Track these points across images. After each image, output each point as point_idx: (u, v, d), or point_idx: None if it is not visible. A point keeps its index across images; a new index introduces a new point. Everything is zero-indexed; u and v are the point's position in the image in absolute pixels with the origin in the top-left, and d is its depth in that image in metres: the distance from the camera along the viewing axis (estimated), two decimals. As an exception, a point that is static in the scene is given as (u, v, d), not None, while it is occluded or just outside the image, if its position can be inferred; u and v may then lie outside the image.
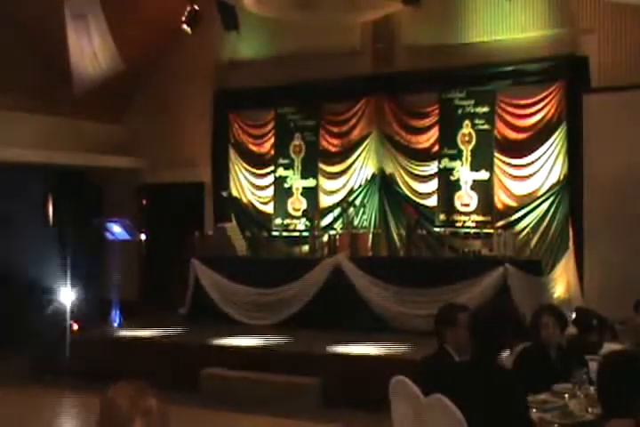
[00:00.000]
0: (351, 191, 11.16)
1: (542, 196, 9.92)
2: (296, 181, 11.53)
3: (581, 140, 9.49)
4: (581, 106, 9.50)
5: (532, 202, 9.97)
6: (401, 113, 10.85)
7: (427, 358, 4.90)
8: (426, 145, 10.70)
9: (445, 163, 10.43)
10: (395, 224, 10.86)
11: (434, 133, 10.59)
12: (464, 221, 10.31)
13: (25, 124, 11.12)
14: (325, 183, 11.39)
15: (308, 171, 11.44)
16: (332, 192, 11.35)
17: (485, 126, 10.20)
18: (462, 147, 10.33)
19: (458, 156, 10.34)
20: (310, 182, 11.43)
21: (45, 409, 7.97)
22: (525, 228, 9.90)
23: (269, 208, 11.79)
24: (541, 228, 9.87)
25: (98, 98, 11.10)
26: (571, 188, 9.70)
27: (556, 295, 9.44)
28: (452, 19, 10.41)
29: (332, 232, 10.75)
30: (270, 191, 11.81)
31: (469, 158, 10.28)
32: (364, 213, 10.91)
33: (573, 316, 6.65)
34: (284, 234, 11.40)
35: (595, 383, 4.41)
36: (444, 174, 10.43)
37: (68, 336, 9.75)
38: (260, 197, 11.94)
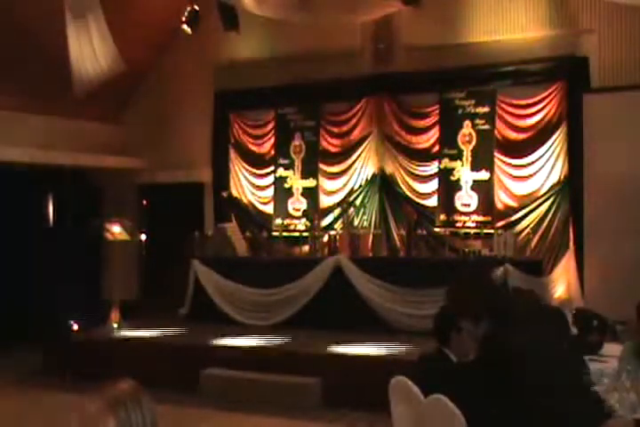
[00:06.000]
0: (351, 191, 11.17)
1: (542, 196, 9.94)
2: (296, 182, 11.53)
3: (581, 141, 9.49)
4: (581, 106, 9.49)
5: (533, 202, 9.98)
6: (401, 113, 10.85)
7: (426, 358, 4.87)
8: (426, 145, 10.70)
9: (446, 163, 10.43)
10: (395, 224, 10.87)
11: (434, 133, 10.60)
12: (464, 222, 10.31)
13: (25, 124, 11.11)
14: (325, 183, 11.39)
15: (308, 171, 11.44)
16: (332, 192, 11.35)
17: (486, 126, 10.20)
18: (462, 147, 10.33)
19: (458, 156, 10.34)
20: (310, 182, 11.42)
21: (45, 409, 7.96)
22: (525, 228, 9.92)
23: (269, 208, 11.79)
24: (541, 228, 9.89)
25: (98, 98, 11.08)
26: (571, 188, 9.71)
27: (556, 295, 9.45)
28: (452, 19, 10.41)
29: (333, 232, 10.75)
30: (270, 191, 11.81)
31: (469, 158, 10.28)
32: (364, 213, 10.91)
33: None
34: (284, 234, 11.38)
35: (595, 384, 4.44)
36: (445, 174, 10.44)
37: (68, 336, 9.76)
38: (260, 198, 11.93)
